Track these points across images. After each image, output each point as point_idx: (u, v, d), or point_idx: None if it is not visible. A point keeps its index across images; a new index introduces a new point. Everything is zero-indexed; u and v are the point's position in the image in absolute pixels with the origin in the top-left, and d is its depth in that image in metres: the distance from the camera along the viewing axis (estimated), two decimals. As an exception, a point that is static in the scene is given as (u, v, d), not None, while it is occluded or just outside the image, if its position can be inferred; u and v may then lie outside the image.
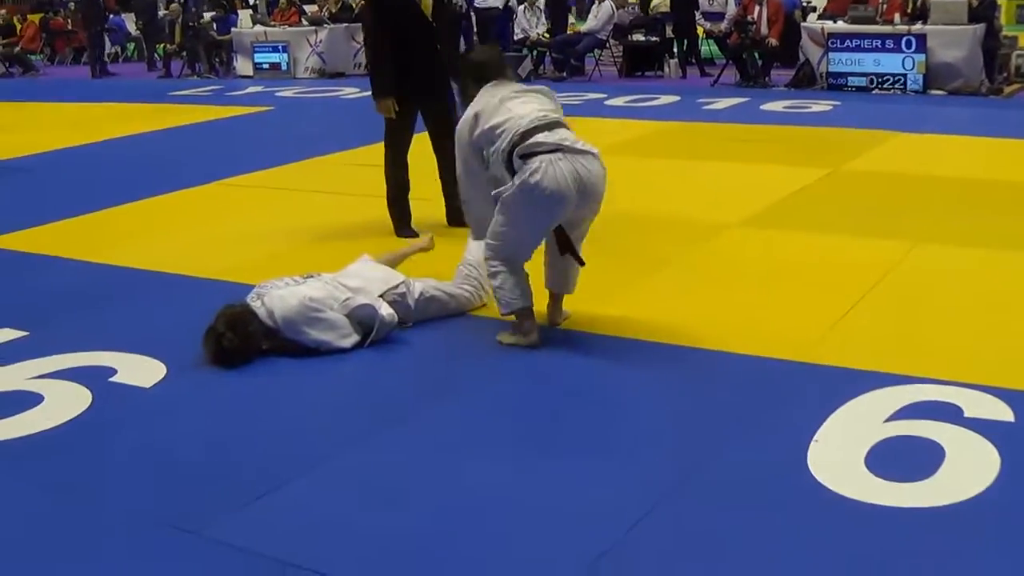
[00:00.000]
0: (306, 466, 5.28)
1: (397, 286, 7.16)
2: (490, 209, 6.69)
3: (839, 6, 21.09)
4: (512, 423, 5.89)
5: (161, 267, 8.92)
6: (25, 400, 6.21)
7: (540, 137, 6.46)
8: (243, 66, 25.89)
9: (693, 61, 22.92)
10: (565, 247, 6.85)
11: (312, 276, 7.08)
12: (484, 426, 5.79)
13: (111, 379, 6.49)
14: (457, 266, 7.56)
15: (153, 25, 29.70)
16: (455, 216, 9.61)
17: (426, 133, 9.76)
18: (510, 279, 6.72)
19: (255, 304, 6.81)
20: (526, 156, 6.43)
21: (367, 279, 7.13)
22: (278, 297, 6.79)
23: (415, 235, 9.27)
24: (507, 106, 6.66)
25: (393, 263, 7.65)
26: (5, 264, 9.41)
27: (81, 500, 5.07)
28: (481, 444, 5.55)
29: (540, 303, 6.97)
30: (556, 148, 6.44)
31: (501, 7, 23.97)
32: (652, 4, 25.30)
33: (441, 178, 9.69)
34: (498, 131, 6.56)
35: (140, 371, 6.59)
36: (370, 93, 9.56)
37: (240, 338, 6.61)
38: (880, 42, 18.66)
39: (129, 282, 8.65)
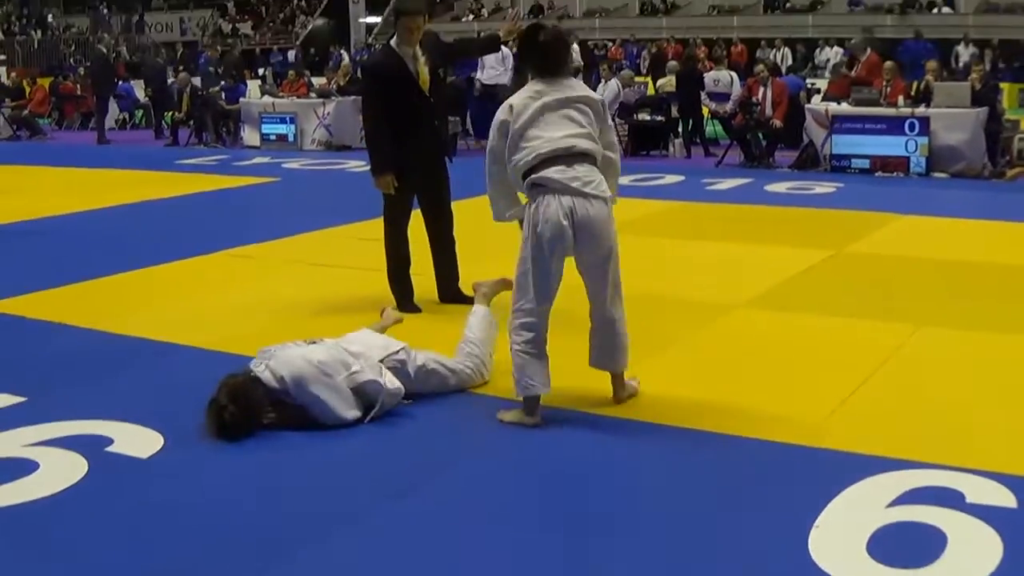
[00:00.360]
0: (304, 542, 5.24)
1: (397, 352, 7.14)
2: (504, 189, 7.01)
3: (840, 89, 21.25)
4: (512, 501, 5.86)
5: (162, 336, 8.90)
6: (20, 467, 6.17)
7: (553, 172, 6.56)
8: (250, 136, 25.95)
9: (698, 141, 22.98)
10: None
11: (315, 341, 7.06)
12: (482, 504, 5.76)
13: (108, 448, 6.46)
14: (458, 343, 7.55)
15: (162, 93, 29.84)
16: (447, 293, 9.61)
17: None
18: (533, 364, 6.75)
19: (259, 369, 6.77)
20: (535, 185, 6.62)
21: (368, 345, 7.12)
22: (285, 359, 6.77)
23: (418, 310, 9.28)
24: (544, 118, 6.68)
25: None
26: (6, 328, 9.40)
27: (74, 570, 5.04)
28: (480, 522, 5.52)
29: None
30: (563, 188, 6.54)
31: (509, 83, 24.07)
32: (658, 84, 25.45)
33: (433, 255, 9.68)
34: (523, 145, 6.68)
35: (137, 441, 6.55)
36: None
37: (242, 410, 6.56)
38: (883, 124, 18.73)
39: (130, 350, 8.63)
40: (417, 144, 9.31)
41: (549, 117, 6.70)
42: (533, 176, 6.61)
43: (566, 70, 7.02)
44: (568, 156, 6.61)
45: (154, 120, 30.66)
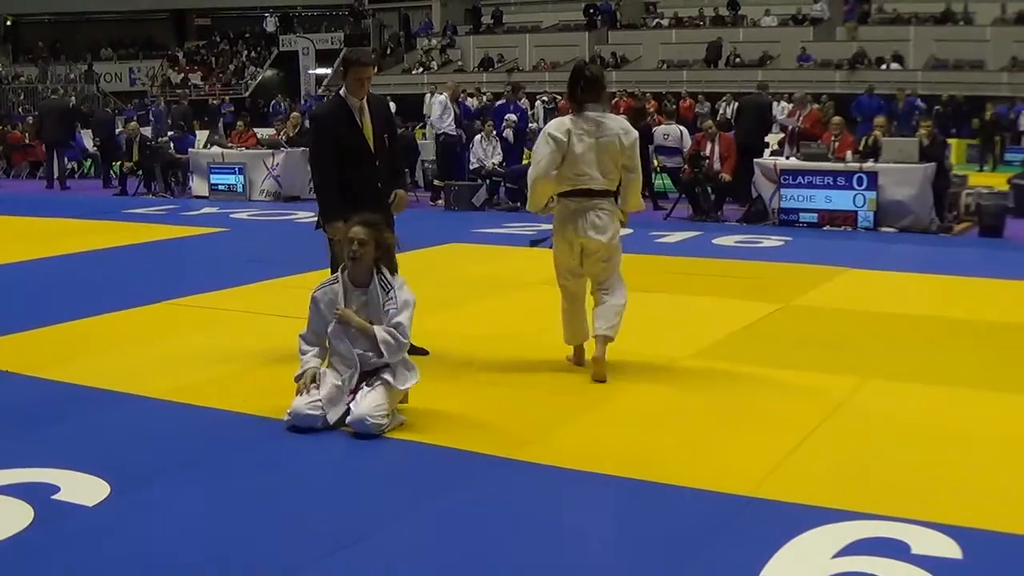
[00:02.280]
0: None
1: None
2: (543, 190, 9.09)
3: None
4: (458, 549, 5.83)
5: (107, 385, 8.85)
6: (-35, 516, 6.12)
7: (584, 200, 8.97)
8: (199, 186, 25.88)
9: (647, 194, 22.98)
10: None
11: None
12: (430, 553, 5.74)
13: (54, 496, 6.41)
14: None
15: (110, 142, 29.73)
16: None
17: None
18: (572, 322, 9.34)
19: None
20: (570, 200, 9.00)
21: None
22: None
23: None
24: (591, 156, 8.89)
25: None
26: (-50, 378, 9.33)
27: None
28: (423, 573, 5.50)
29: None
30: (585, 210, 8.96)
31: (454, 131, 24.20)
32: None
33: None
34: (575, 172, 8.91)
35: (83, 489, 6.51)
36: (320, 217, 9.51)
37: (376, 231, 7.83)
38: (832, 179, 18.85)
39: (75, 399, 8.57)
40: (362, 193, 9.20)
41: (591, 156, 8.89)
42: (571, 196, 8.98)
43: (603, 101, 9.18)
44: (597, 192, 8.95)
45: (102, 169, 30.55)
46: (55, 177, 28.88)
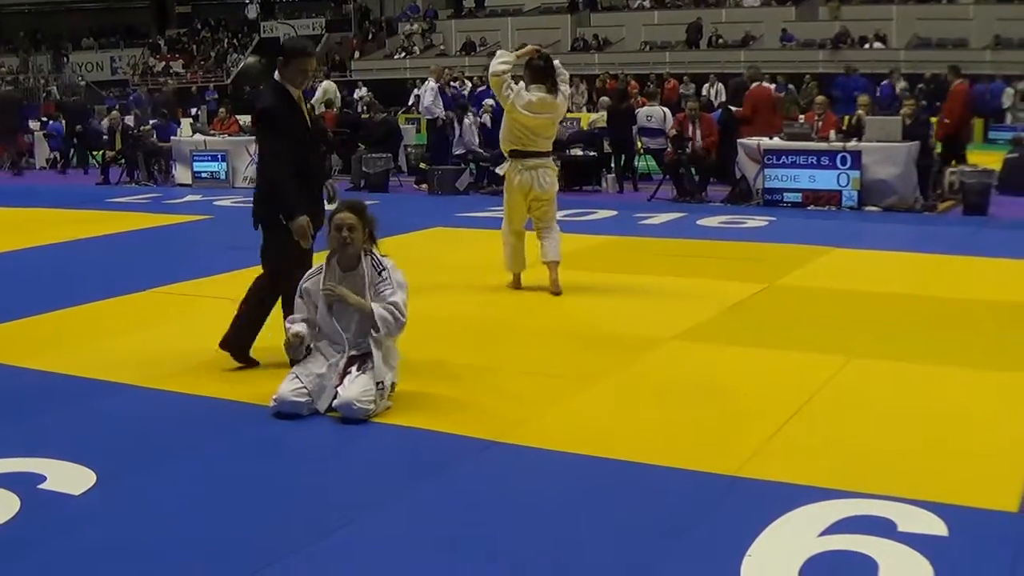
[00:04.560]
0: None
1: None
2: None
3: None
4: (447, 532, 5.83)
5: (93, 374, 8.83)
6: (-48, 506, 6.11)
7: (530, 158, 11.64)
8: (182, 174, 25.82)
9: (630, 176, 22.97)
10: None
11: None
12: (418, 536, 5.74)
13: (40, 486, 6.40)
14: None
15: (86, 130, 29.58)
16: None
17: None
18: (508, 249, 11.91)
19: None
20: (516, 158, 11.69)
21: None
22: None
23: (255, 364, 9.10)
24: (542, 122, 11.66)
25: None
26: (-66, 369, 9.30)
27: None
28: (412, 556, 5.50)
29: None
30: (530, 167, 11.61)
31: (442, 115, 24.25)
32: (590, 119, 25.50)
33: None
34: (526, 134, 11.64)
35: (70, 478, 6.50)
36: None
37: (361, 214, 7.91)
38: (815, 159, 18.83)
39: (61, 388, 8.56)
40: (311, 183, 8.88)
41: (543, 122, 11.66)
42: (519, 156, 11.65)
43: (550, 81, 11.62)
44: (541, 152, 11.76)
45: (70, 158, 30.51)
46: (9, 164, 29.33)
